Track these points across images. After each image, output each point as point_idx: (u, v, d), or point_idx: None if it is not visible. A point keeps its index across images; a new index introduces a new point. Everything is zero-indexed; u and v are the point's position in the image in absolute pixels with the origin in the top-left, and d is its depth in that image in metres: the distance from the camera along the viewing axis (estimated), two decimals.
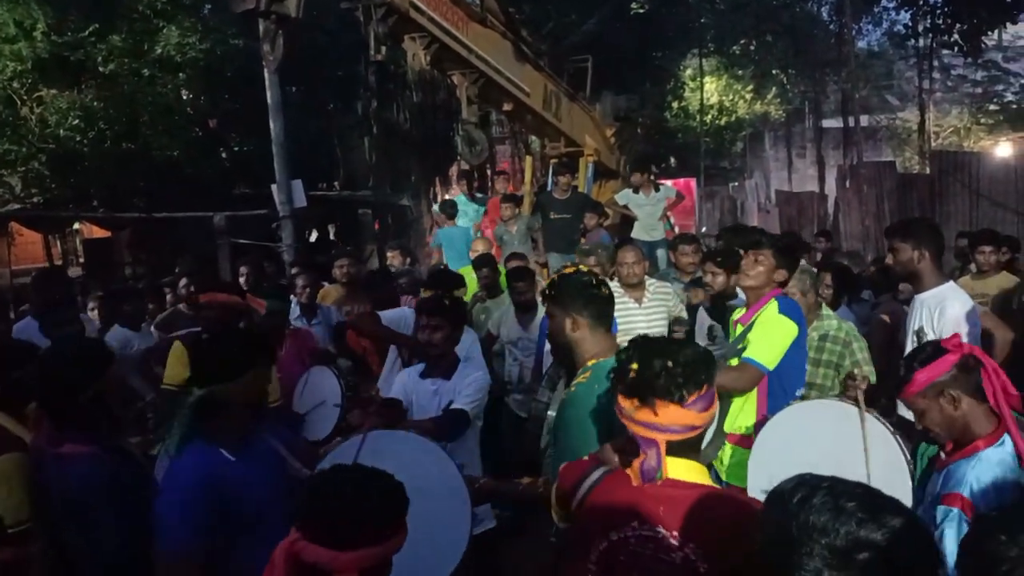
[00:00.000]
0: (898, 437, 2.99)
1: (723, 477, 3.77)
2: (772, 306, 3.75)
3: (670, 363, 1.95)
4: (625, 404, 1.99)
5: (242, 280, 6.58)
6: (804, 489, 1.32)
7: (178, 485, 2.40)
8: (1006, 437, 2.47)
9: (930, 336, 3.60)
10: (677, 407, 1.93)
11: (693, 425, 1.96)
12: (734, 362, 3.76)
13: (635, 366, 1.97)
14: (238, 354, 2.48)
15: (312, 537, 1.73)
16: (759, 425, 3.52)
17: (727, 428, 3.75)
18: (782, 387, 3.73)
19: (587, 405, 2.55)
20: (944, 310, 3.73)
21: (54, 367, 2.80)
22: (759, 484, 3.17)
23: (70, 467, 2.64)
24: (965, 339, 3.20)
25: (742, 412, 3.76)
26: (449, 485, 2.75)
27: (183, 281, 6.45)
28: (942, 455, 2.61)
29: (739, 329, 3.90)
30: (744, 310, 3.94)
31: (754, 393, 3.74)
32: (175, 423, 2.49)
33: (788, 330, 3.67)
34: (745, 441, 3.64)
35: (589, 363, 2.69)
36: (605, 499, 2.05)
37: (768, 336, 3.66)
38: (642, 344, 2.05)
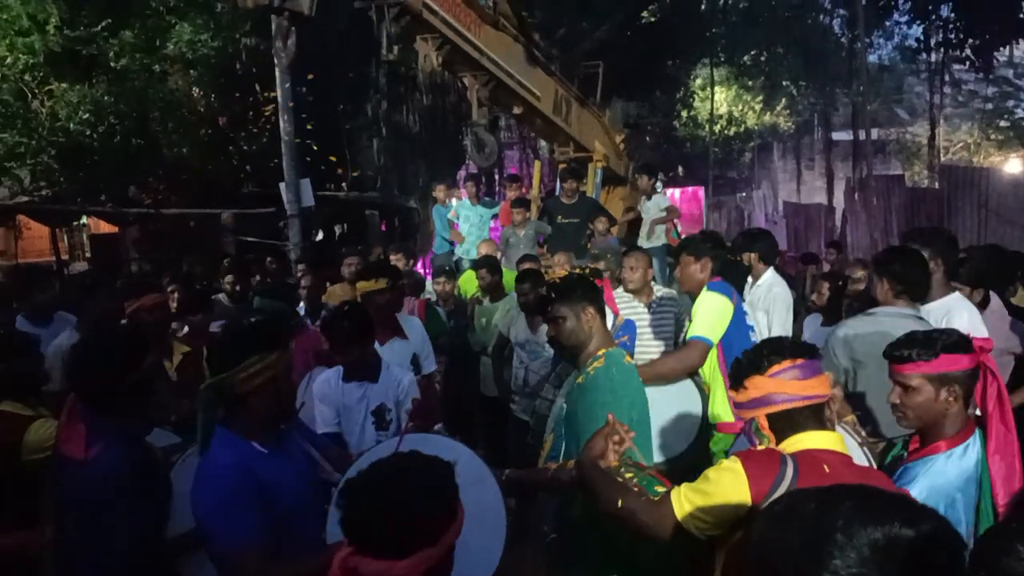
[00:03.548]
0: (866, 449, 2.87)
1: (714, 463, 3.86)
2: (703, 290, 4.09)
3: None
4: (733, 396, 2.26)
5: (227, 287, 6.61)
6: (817, 498, 1.29)
7: (218, 478, 2.31)
8: (970, 445, 2.45)
9: None
10: (762, 377, 2.12)
11: (787, 393, 2.10)
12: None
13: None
14: (238, 342, 2.46)
15: (365, 550, 1.63)
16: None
17: (711, 419, 3.99)
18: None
19: (606, 388, 2.78)
20: (951, 321, 3.61)
21: (95, 353, 2.78)
22: None
23: (92, 469, 2.61)
24: None
25: (717, 401, 3.98)
26: (482, 486, 2.69)
27: (228, 278, 6.58)
28: (904, 454, 2.62)
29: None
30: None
31: (720, 379, 3.95)
32: (197, 419, 2.45)
33: (720, 303, 3.97)
34: (728, 427, 3.87)
35: (599, 352, 2.92)
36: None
37: (702, 312, 3.99)
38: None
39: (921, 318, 3.49)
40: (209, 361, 2.48)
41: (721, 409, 3.94)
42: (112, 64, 13.46)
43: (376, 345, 4.04)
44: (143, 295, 4.39)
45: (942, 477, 2.40)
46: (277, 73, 9.36)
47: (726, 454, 3.32)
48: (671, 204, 11.03)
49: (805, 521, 1.25)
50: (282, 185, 10.17)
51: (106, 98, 13.29)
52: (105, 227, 18.83)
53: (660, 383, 3.94)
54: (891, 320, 3.39)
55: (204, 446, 2.38)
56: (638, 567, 2.72)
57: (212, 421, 2.40)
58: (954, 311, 3.73)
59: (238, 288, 6.39)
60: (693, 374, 4.14)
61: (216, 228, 13.28)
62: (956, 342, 2.48)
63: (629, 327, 5.05)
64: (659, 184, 10.54)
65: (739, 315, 4.08)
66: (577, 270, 3.25)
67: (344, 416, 3.78)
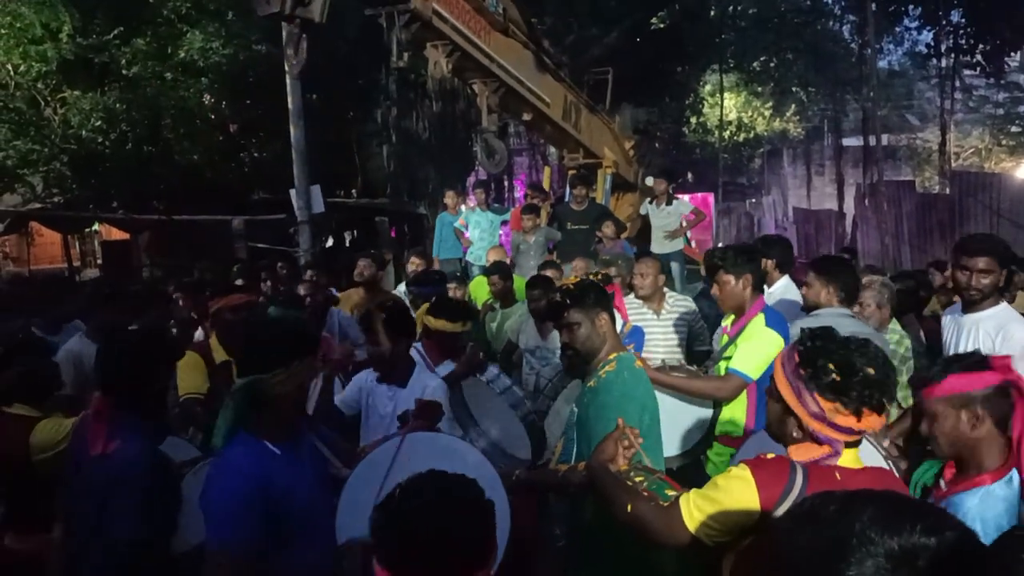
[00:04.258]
0: (891, 463, 2.77)
1: (707, 471, 3.86)
2: (759, 319, 3.84)
3: (874, 370, 1.98)
4: (824, 405, 2.00)
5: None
6: (840, 502, 1.28)
7: (229, 477, 2.32)
8: (1014, 475, 2.28)
9: None
10: (878, 417, 2.00)
11: (876, 429, 2.06)
12: (721, 370, 3.90)
13: (832, 367, 1.99)
14: (282, 344, 2.45)
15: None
16: (748, 434, 3.61)
17: (717, 432, 3.89)
18: None
19: (617, 391, 2.81)
20: (1010, 334, 3.47)
21: (134, 355, 2.79)
22: None
23: (111, 462, 2.62)
24: None
25: (731, 418, 3.87)
26: (488, 484, 2.71)
27: (239, 283, 6.52)
28: (942, 483, 2.43)
29: (724, 339, 4.02)
30: (733, 321, 4.01)
31: (743, 402, 3.83)
32: (220, 416, 2.45)
33: (773, 341, 3.75)
34: (731, 441, 3.78)
35: (611, 356, 2.95)
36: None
37: (753, 348, 3.76)
38: (843, 345, 2.05)
39: (854, 316, 3.96)
40: (243, 359, 2.48)
41: (730, 424, 3.88)
42: (124, 72, 13.57)
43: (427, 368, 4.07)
44: (229, 294, 4.46)
45: (991, 509, 2.25)
46: (288, 80, 9.40)
47: (728, 464, 3.31)
48: (697, 208, 11.04)
49: (825, 524, 1.24)
50: (292, 191, 10.20)
51: (118, 105, 13.39)
52: (117, 234, 18.96)
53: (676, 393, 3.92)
54: (835, 319, 3.62)
55: (224, 443, 2.39)
56: (650, 571, 2.71)
57: (239, 422, 2.40)
58: (1012, 323, 3.56)
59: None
60: None
61: (227, 234, 13.33)
62: (972, 362, 2.37)
63: (637, 334, 5.05)
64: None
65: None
66: (589, 276, 3.23)
67: (372, 419, 3.83)
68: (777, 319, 3.87)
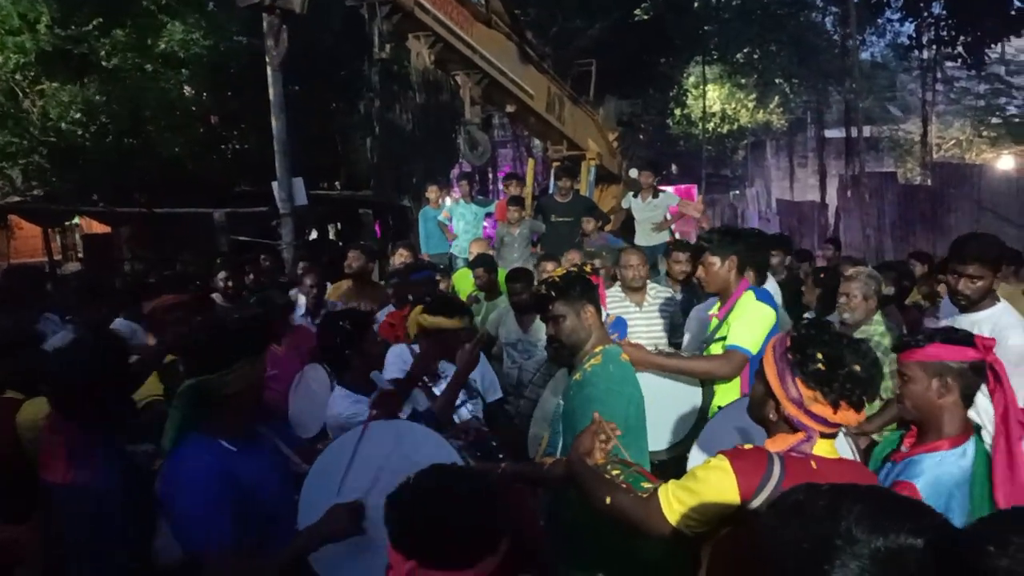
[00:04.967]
0: (851, 440, 2.87)
1: None
2: (748, 295, 3.86)
3: (860, 368, 2.00)
4: (804, 392, 2.03)
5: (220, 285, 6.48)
6: (828, 496, 1.28)
7: (194, 481, 2.29)
8: (968, 447, 2.46)
9: None
10: (855, 413, 2.02)
11: (851, 424, 2.08)
12: (717, 349, 3.87)
13: (821, 357, 2.01)
14: (227, 343, 2.43)
15: (430, 563, 1.62)
16: None
17: (711, 414, 3.81)
18: None
19: (603, 385, 2.81)
20: (1005, 341, 3.26)
21: (74, 363, 2.74)
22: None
23: (77, 493, 2.59)
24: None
25: (726, 399, 3.80)
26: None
27: (222, 274, 6.43)
28: (902, 448, 2.60)
29: (714, 323, 4.01)
30: (720, 305, 4.01)
31: (737, 386, 3.81)
32: (168, 418, 2.43)
33: (766, 315, 3.76)
34: None
35: (596, 349, 2.93)
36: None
37: (748, 322, 3.75)
38: (836, 339, 2.09)
39: None
40: (189, 361, 2.46)
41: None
42: (104, 63, 13.41)
43: None
44: (161, 294, 4.38)
45: (946, 473, 2.40)
46: (268, 71, 9.33)
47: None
48: (683, 200, 11.04)
49: (811, 520, 1.24)
50: (275, 184, 10.14)
51: (98, 97, 13.25)
52: (98, 227, 18.78)
53: (675, 377, 3.88)
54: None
55: (172, 445, 2.37)
56: (633, 563, 2.72)
57: (188, 422, 2.38)
58: (1010, 329, 3.44)
59: (231, 285, 6.34)
60: None
61: (209, 227, 13.22)
62: (957, 337, 2.52)
63: (620, 325, 5.06)
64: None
65: (776, 328, 3.85)
66: (574, 268, 3.20)
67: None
68: (766, 295, 3.90)
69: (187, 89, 15.22)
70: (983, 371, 2.48)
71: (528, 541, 2.44)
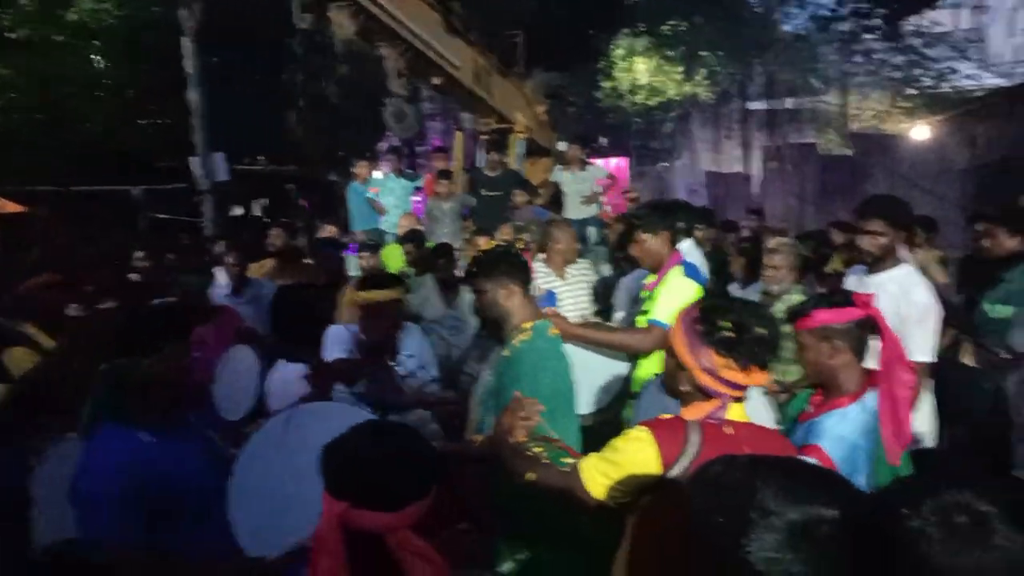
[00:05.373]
0: (767, 398, 3.06)
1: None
2: (676, 270, 3.89)
3: (765, 332, 2.10)
4: (716, 360, 2.09)
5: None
6: (744, 470, 1.29)
7: (96, 472, 2.25)
8: (867, 398, 2.58)
9: (892, 320, 3.02)
10: (763, 373, 2.11)
11: (762, 386, 2.22)
12: (642, 322, 3.90)
13: (728, 325, 2.09)
14: (150, 327, 2.38)
15: (363, 504, 1.73)
16: None
17: (634, 388, 3.87)
18: None
19: (533, 360, 2.81)
20: (912, 298, 3.56)
21: None
22: None
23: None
24: (932, 326, 3.48)
25: (647, 375, 3.83)
26: None
27: (138, 254, 6.19)
28: (809, 408, 2.71)
29: (645, 294, 4.05)
30: (653, 277, 4.05)
31: (661, 356, 3.80)
32: (86, 405, 2.36)
33: (691, 291, 3.77)
34: None
35: (526, 325, 2.92)
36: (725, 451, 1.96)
37: (672, 297, 3.76)
38: (739, 307, 2.19)
39: None
40: (107, 344, 2.38)
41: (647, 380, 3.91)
42: (9, 35, 12.78)
43: None
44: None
45: (846, 429, 2.51)
46: (183, 42, 9.02)
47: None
48: (610, 172, 11.08)
49: (729, 493, 1.26)
50: (193, 160, 9.84)
51: (3, 71, 12.64)
52: (12, 207, 17.99)
53: (596, 348, 3.89)
54: None
55: (87, 432, 2.30)
56: (564, 537, 2.73)
57: (105, 407, 2.31)
58: (914, 287, 3.61)
59: (147, 266, 6.15)
60: None
61: (129, 206, 12.79)
62: (838, 299, 2.68)
63: (551, 299, 5.07)
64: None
65: None
66: (502, 244, 3.19)
67: None
68: (694, 270, 3.92)
69: (101, 61, 14.63)
70: (869, 325, 2.62)
71: (465, 499, 2.51)
